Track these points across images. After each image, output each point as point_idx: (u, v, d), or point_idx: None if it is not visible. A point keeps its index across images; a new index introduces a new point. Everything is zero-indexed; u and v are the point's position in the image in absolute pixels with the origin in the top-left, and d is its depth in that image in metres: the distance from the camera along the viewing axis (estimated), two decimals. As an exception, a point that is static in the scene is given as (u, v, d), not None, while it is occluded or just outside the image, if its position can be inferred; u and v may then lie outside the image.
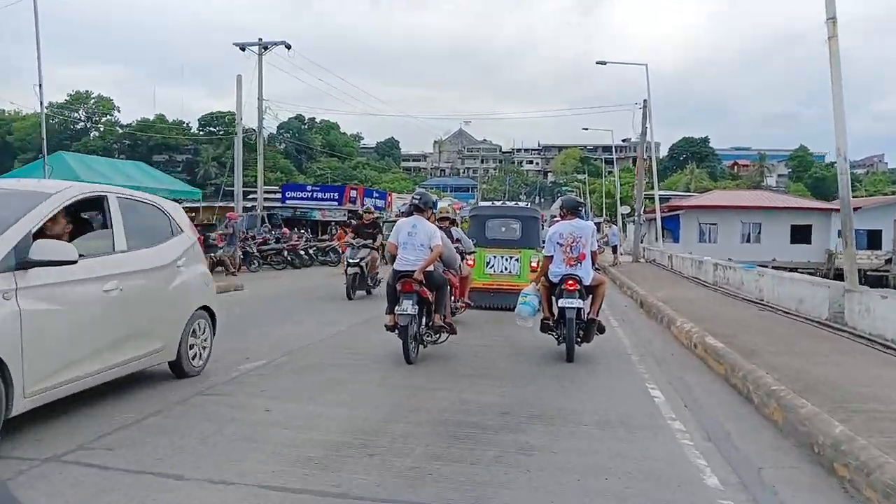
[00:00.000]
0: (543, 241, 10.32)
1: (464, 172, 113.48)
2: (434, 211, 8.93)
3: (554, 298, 8.36)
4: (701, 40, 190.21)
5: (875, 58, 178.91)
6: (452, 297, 9.39)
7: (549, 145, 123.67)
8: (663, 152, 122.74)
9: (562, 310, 8.06)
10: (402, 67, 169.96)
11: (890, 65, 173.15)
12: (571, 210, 8.70)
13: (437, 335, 8.27)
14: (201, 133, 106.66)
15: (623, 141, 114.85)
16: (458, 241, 10.72)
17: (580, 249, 8.23)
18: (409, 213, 8.57)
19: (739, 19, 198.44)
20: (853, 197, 12.47)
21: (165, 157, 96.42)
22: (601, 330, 8.47)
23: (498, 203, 16.09)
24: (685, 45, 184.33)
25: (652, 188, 34.04)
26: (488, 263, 13.01)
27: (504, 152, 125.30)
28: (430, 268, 7.99)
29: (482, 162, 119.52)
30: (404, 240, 8.00)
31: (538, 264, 11.70)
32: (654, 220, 37.23)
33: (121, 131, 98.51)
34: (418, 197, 8.59)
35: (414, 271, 7.76)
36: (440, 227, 8.82)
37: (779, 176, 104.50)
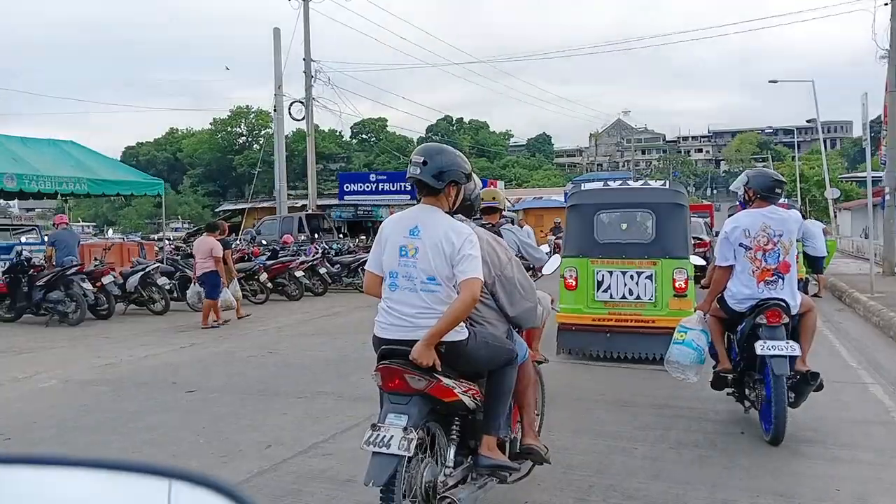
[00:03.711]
0: (703, 242, 8.00)
1: (623, 166, 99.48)
2: (462, 186, 3.29)
3: (731, 337, 5.14)
4: None
5: None
6: None
7: (720, 131, 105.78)
8: (857, 131, 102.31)
9: (762, 360, 4.66)
10: (558, 64, 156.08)
11: None
12: (765, 192, 4.97)
13: (488, 478, 3.34)
14: (354, 141, 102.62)
15: (808, 122, 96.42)
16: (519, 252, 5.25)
17: (780, 256, 4.82)
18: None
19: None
20: None
21: (320, 166, 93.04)
22: (819, 387, 4.83)
23: (615, 183, 9.66)
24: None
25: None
26: (600, 284, 7.63)
27: (668, 141, 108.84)
28: (460, 331, 3.06)
29: (644, 153, 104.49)
30: (392, 265, 3.15)
31: (686, 283, 7.45)
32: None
33: (286, 142, 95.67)
34: (421, 158, 3.16)
35: (410, 342, 2.99)
36: (486, 226, 4.15)
37: None
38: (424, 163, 3.12)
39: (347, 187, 23.25)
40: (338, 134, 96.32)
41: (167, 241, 18.33)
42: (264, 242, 17.09)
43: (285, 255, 15.11)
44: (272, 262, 14.30)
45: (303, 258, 14.74)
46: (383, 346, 3.11)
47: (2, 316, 11.41)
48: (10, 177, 12.33)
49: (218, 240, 11.16)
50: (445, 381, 3.03)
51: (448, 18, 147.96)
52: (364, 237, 21.06)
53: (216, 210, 41.44)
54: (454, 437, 3.20)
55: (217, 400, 6.13)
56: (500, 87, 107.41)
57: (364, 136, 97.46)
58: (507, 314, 3.39)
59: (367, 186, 22.59)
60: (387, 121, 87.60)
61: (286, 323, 11.40)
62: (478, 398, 3.22)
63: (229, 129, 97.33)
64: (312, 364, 7.83)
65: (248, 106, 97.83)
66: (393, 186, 22.13)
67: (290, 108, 23.34)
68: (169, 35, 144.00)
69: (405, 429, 2.87)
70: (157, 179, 15.69)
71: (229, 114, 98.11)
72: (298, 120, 23.71)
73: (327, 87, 23.33)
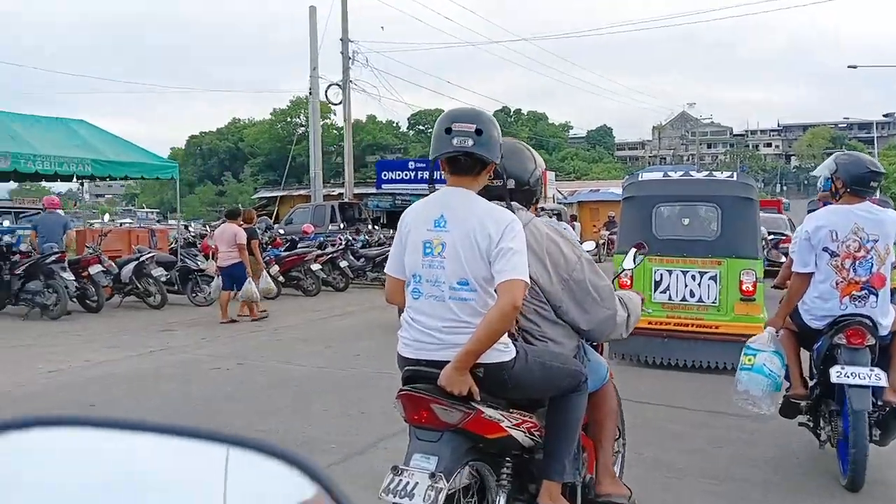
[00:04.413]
0: (772, 243, 7.21)
1: (688, 159, 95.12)
2: (495, 163, 2.54)
3: (811, 358, 4.20)
4: None
5: None
6: None
7: (790, 124, 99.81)
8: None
9: (839, 389, 3.78)
10: (621, 54, 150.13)
11: None
12: (857, 185, 3.93)
13: None
14: (411, 132, 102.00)
15: (885, 116, 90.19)
16: None
17: (874, 267, 3.85)
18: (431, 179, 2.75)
19: None
20: None
21: (377, 156, 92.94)
22: None
23: (676, 174, 8.12)
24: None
25: None
26: (658, 284, 6.94)
27: (735, 135, 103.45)
28: (503, 349, 2.42)
29: (709, 147, 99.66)
30: (415, 267, 2.48)
31: (755, 286, 6.71)
32: None
33: (336, 133, 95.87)
34: (472, 126, 2.43)
35: (439, 363, 2.37)
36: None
37: None
38: (479, 132, 2.40)
39: (385, 175, 21.70)
40: (395, 125, 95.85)
41: (188, 229, 17.29)
42: (282, 232, 15.76)
43: (304, 246, 13.75)
44: (286, 253, 12.97)
45: (319, 251, 13.35)
46: (406, 368, 2.49)
47: (-17, 306, 10.39)
48: (3, 156, 11.28)
49: (244, 228, 10.08)
50: (487, 412, 2.41)
51: (504, 6, 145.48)
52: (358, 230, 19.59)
53: (252, 197, 40.66)
54: (504, 481, 2.52)
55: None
56: (560, 76, 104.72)
57: (421, 126, 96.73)
58: (578, 328, 2.70)
59: (405, 174, 21.00)
60: (443, 112, 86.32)
61: (287, 324, 9.99)
62: (536, 433, 2.58)
63: (289, 119, 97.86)
64: (279, 383, 6.32)
65: (307, 96, 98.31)
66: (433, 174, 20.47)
67: (326, 92, 22.01)
68: (233, 25, 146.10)
69: (433, 475, 2.26)
70: (171, 162, 14.54)
71: (289, 104, 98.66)
72: (335, 104, 22.37)
73: (365, 68, 21.88)
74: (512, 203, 2.61)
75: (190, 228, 17.31)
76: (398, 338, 2.54)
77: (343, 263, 13.54)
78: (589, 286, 2.66)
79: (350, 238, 14.77)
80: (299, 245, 13.84)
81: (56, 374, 6.61)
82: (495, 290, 2.35)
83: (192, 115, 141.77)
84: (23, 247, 10.42)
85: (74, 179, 15.37)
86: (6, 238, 10.49)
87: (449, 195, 2.48)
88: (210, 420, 5.05)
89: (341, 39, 21.34)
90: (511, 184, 2.66)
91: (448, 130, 2.41)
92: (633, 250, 3.64)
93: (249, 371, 6.86)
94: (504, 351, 2.40)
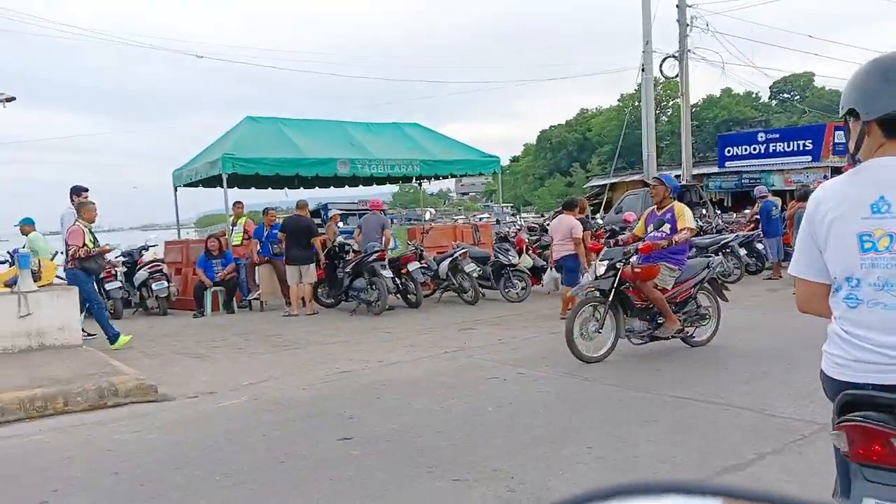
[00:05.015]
0: None
1: None
2: None
3: None
4: None
5: None
6: None
7: None
8: None
9: None
10: None
11: None
12: None
13: None
14: (773, 102, 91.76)
15: None
16: None
17: None
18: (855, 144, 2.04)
19: None
20: None
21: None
22: None
23: None
24: None
25: None
26: None
27: None
28: None
29: None
30: (848, 267, 2.03)
31: None
32: None
33: (694, 110, 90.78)
34: None
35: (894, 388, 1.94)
36: None
37: None
38: None
39: (729, 151, 18.95)
40: (754, 96, 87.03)
41: (500, 223, 17.26)
42: (600, 222, 14.62)
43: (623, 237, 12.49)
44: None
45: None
46: (845, 393, 2.02)
47: (323, 301, 11.41)
48: (343, 162, 12.38)
49: (578, 219, 9.77)
50: None
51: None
52: (748, 212, 16.96)
53: (584, 186, 39.81)
54: None
55: (328, 471, 4.14)
56: None
57: (786, 94, 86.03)
58: None
59: (754, 149, 18.01)
60: (814, 75, 75.55)
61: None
62: None
63: (636, 102, 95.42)
64: (551, 402, 5.32)
65: (654, 77, 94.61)
66: (788, 146, 17.21)
67: (661, 66, 20.24)
68: (567, 14, 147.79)
69: None
70: (493, 157, 14.54)
71: (636, 88, 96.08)
72: (671, 79, 20.43)
73: (706, 34, 19.50)
74: None
75: (518, 221, 17.24)
76: (822, 353, 2.11)
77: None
78: None
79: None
80: (620, 235, 12.63)
81: (344, 376, 6.59)
82: None
83: (543, 111, 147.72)
84: (355, 246, 11.16)
85: (414, 180, 16.38)
86: (339, 238, 11.37)
87: (888, 168, 1.97)
88: (447, 448, 4.32)
89: (677, 6, 19.39)
90: None
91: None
92: None
93: (527, 384, 6.01)
94: None
